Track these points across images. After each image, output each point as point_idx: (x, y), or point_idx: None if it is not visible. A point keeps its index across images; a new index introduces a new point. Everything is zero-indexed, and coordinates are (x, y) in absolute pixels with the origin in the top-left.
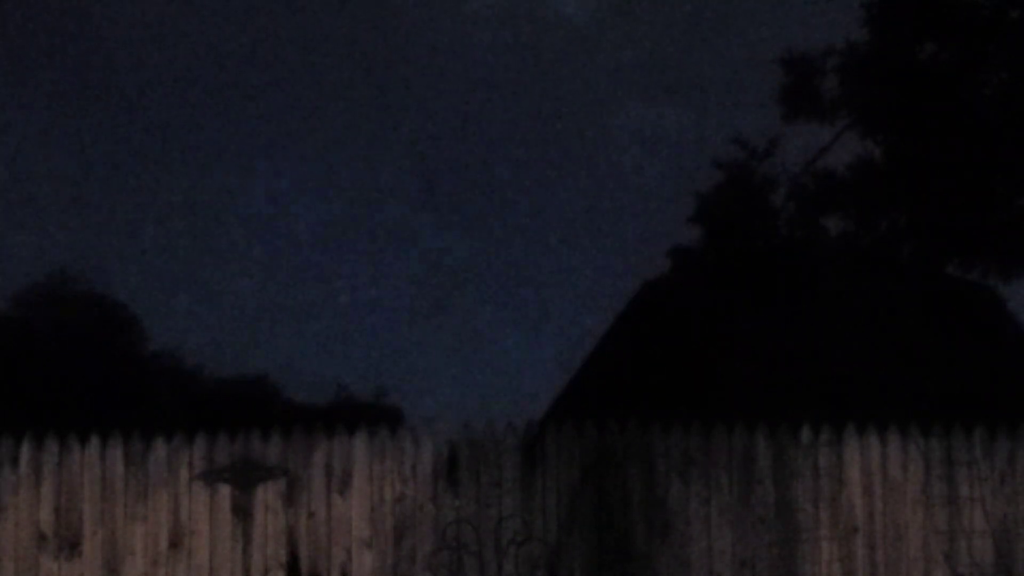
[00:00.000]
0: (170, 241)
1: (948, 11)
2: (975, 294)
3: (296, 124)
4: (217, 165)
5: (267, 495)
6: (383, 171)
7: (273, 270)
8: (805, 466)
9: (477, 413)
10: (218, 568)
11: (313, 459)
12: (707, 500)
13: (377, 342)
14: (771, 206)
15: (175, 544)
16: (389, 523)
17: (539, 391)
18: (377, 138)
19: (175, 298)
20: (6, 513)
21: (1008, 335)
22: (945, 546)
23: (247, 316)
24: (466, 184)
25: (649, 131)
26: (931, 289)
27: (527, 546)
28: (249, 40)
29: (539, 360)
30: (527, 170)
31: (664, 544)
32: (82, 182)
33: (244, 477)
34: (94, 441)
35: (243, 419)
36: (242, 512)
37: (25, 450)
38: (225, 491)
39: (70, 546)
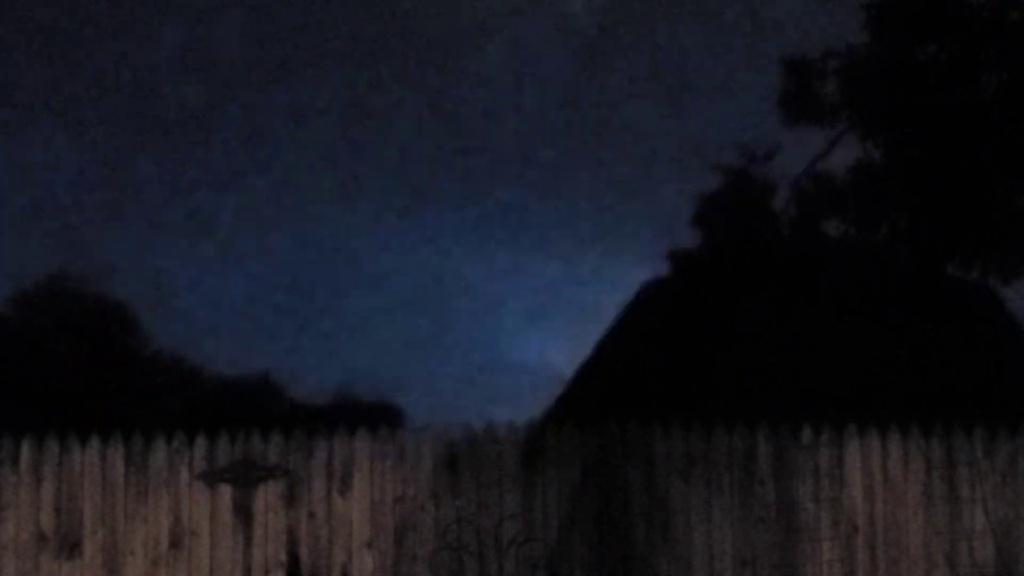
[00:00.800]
0: (171, 241)
1: (947, 13)
2: (975, 294)
3: (296, 121)
4: (218, 165)
5: (268, 495)
6: (383, 171)
7: (274, 270)
8: (806, 466)
9: (477, 413)
10: (218, 568)
11: (314, 459)
12: (708, 500)
13: (377, 342)
14: (771, 209)
15: (175, 544)
16: (390, 523)
17: (539, 391)
18: (375, 138)
19: (175, 298)
20: (6, 513)
21: (1008, 335)
22: (946, 546)
23: (247, 316)
24: (467, 184)
25: (650, 133)
26: (931, 289)
27: (528, 546)
28: (249, 39)
29: (539, 360)
30: (527, 171)
31: (664, 544)
32: (82, 182)
33: (245, 477)
34: (94, 441)
35: (244, 419)
36: (243, 512)
37: (25, 450)
38: (226, 491)
39: (70, 546)
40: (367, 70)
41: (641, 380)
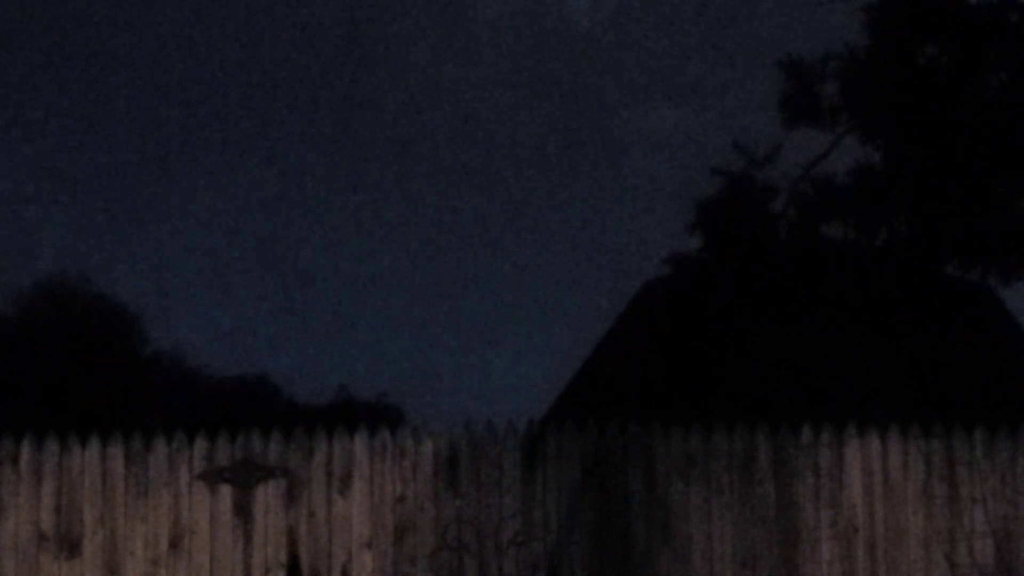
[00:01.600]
0: (171, 241)
1: (947, 14)
2: (975, 295)
3: (293, 126)
4: (217, 165)
5: (267, 495)
6: (384, 171)
7: (274, 270)
8: (806, 466)
9: (477, 413)
10: (218, 568)
11: (314, 459)
12: (708, 500)
13: (377, 342)
14: (771, 212)
15: (175, 544)
16: (390, 523)
17: (539, 391)
18: (372, 140)
19: (175, 298)
20: (6, 513)
21: (1008, 335)
22: (946, 546)
23: (247, 316)
24: (467, 184)
25: (650, 135)
26: (931, 290)
27: (527, 546)
28: (251, 42)
29: (539, 360)
30: (527, 171)
31: (665, 544)
32: (82, 182)
33: (245, 477)
34: (94, 441)
35: (243, 419)
36: (243, 512)
37: (25, 450)
38: (226, 491)
39: (70, 546)
40: (366, 72)
41: (641, 380)
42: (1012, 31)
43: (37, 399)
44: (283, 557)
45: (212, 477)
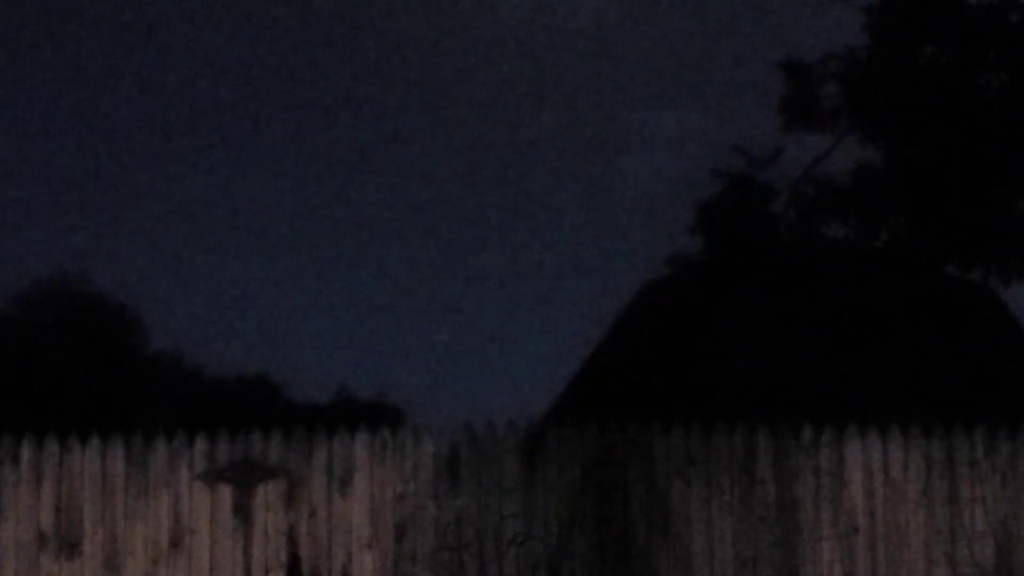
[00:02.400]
0: (171, 241)
1: (947, 15)
2: (975, 295)
3: (293, 126)
4: (218, 165)
5: (268, 495)
6: (385, 170)
7: (274, 270)
8: (806, 466)
9: (478, 413)
10: (219, 568)
11: (314, 459)
12: (708, 500)
13: (377, 342)
14: (771, 213)
15: (175, 544)
16: (390, 523)
17: (539, 391)
18: (373, 140)
19: (175, 298)
20: (7, 513)
21: (1008, 336)
22: (946, 546)
23: (247, 316)
24: (467, 184)
25: (651, 136)
26: (931, 290)
27: (528, 546)
28: (259, 42)
29: (539, 360)
30: (528, 171)
31: (665, 544)
32: (82, 182)
33: (245, 477)
34: (95, 441)
35: (244, 419)
36: (243, 512)
37: (25, 450)
38: (226, 491)
39: (70, 546)
40: (367, 71)
41: (641, 380)
42: (1012, 31)
43: (37, 399)
44: (283, 557)
45: (212, 477)
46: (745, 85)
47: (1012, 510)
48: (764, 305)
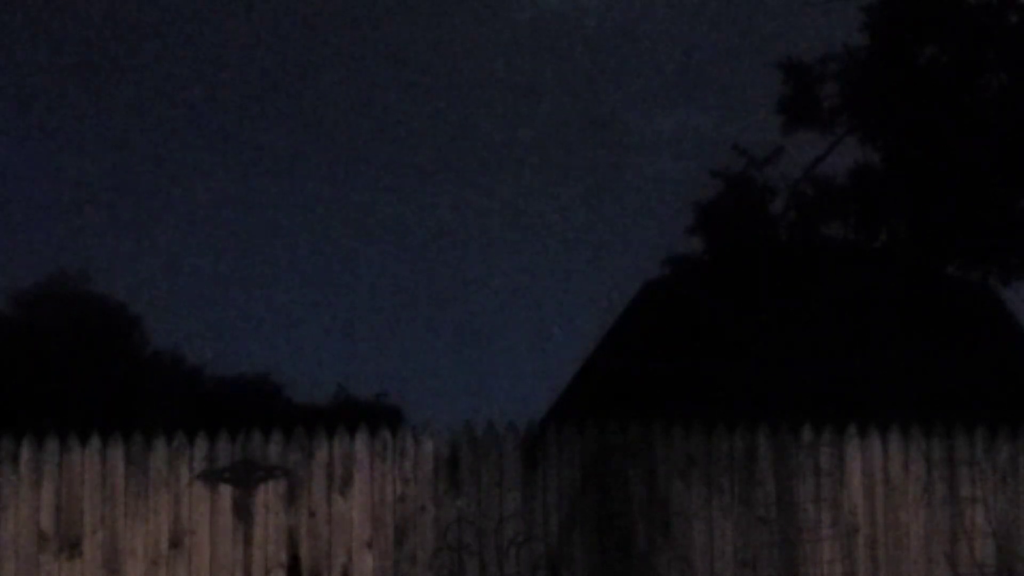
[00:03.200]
0: (171, 241)
1: (947, 15)
2: (975, 294)
3: (293, 126)
4: (218, 165)
5: (268, 495)
6: (385, 170)
7: (274, 270)
8: (806, 466)
9: (478, 413)
10: (219, 568)
11: (314, 459)
12: (708, 500)
13: (377, 342)
14: (771, 213)
15: (175, 544)
16: (390, 523)
17: (539, 391)
18: (373, 140)
19: (175, 298)
20: (6, 513)
21: (1008, 336)
22: (946, 546)
23: (247, 316)
24: (468, 184)
25: (651, 137)
26: (931, 290)
27: (528, 546)
28: (259, 43)
29: (539, 360)
30: (529, 172)
31: (665, 544)
32: (82, 182)
33: (245, 477)
34: (95, 441)
35: (244, 419)
36: (243, 512)
37: (25, 450)
38: (226, 491)
39: (70, 546)
40: (368, 71)
41: (641, 380)
42: (1012, 31)
43: (37, 399)
44: (283, 557)
45: (213, 477)
46: (745, 85)
47: (1012, 510)
48: (764, 305)
